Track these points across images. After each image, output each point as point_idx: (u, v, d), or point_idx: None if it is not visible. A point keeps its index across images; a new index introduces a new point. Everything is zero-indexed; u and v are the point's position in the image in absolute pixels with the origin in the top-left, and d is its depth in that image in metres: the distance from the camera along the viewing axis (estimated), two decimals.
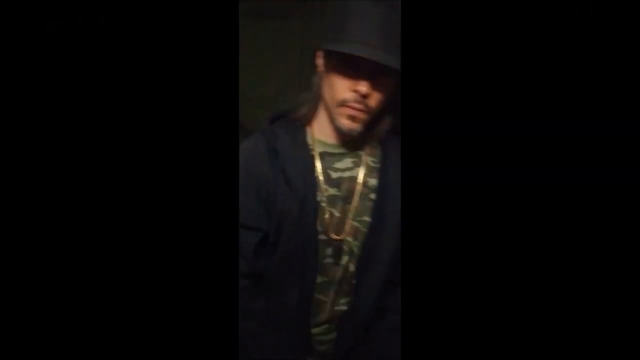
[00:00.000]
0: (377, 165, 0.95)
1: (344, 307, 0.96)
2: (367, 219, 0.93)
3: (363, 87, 0.83)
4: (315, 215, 0.91)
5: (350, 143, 0.94)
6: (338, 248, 0.93)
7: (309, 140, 0.94)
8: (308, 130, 0.95)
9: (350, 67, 0.84)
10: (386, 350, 0.96)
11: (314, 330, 0.97)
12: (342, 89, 0.86)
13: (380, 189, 0.94)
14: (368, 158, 0.95)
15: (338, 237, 0.92)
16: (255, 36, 1.27)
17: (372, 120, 0.91)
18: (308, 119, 0.95)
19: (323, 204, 0.92)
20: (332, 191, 0.93)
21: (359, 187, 0.93)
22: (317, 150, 0.94)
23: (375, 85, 0.85)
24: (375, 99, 0.86)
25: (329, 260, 0.94)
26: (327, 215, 0.91)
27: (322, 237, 0.92)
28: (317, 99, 0.93)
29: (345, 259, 0.94)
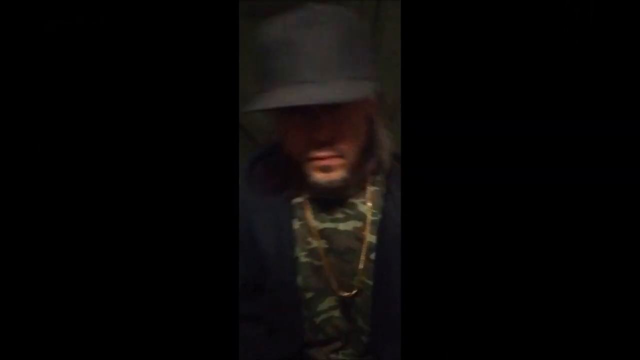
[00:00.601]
0: (375, 218, 0.79)
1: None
2: (367, 281, 0.79)
3: (321, 134, 0.69)
4: (294, 273, 0.78)
5: (343, 190, 0.78)
6: (336, 302, 0.80)
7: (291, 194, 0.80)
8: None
9: (294, 117, 0.70)
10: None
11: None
12: (299, 144, 0.72)
13: (379, 247, 0.79)
14: (365, 207, 0.80)
15: (347, 294, 0.79)
16: (255, 36, 1.26)
17: (357, 162, 0.76)
18: (289, 184, 0.80)
19: (303, 260, 0.79)
20: (320, 244, 0.79)
21: (352, 243, 0.79)
22: (299, 198, 0.80)
23: (337, 124, 0.70)
24: (345, 139, 0.72)
25: (324, 315, 0.81)
26: (309, 273, 0.79)
27: (309, 294, 0.80)
28: (284, 160, 0.77)
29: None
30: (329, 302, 0.81)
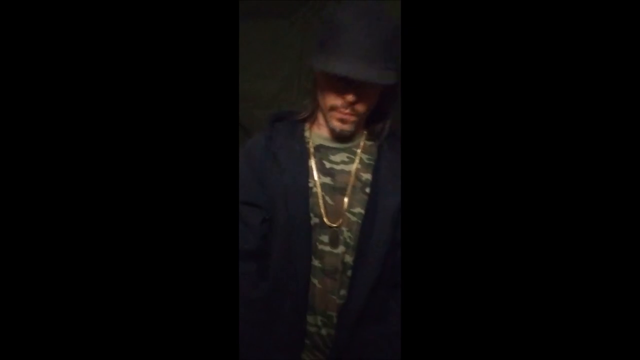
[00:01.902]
0: (372, 162, 1.02)
1: (340, 301, 0.98)
2: (360, 210, 0.99)
3: (349, 97, 0.93)
4: (307, 200, 0.98)
5: (346, 140, 1.03)
6: (334, 235, 0.98)
7: (307, 134, 1.04)
8: (307, 126, 1.04)
9: (336, 79, 0.92)
10: (385, 356, 0.98)
11: (308, 319, 0.99)
12: (332, 96, 0.95)
13: (374, 184, 1.00)
14: (363, 155, 1.02)
15: (333, 225, 0.98)
16: (255, 36, 1.27)
17: (365, 120, 1.00)
18: (307, 120, 1.04)
19: (315, 190, 0.99)
20: (326, 180, 1.00)
21: (352, 180, 1.00)
22: (313, 142, 1.03)
23: (361, 94, 0.94)
24: (363, 105, 0.96)
25: (325, 247, 0.98)
26: (320, 201, 0.98)
27: (315, 220, 0.98)
28: (314, 103, 1.02)
29: (341, 248, 0.98)
30: (323, 235, 0.99)
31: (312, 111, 1.03)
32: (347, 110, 0.95)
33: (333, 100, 0.95)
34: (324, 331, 0.99)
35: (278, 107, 1.25)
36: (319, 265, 0.98)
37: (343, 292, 0.98)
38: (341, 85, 0.93)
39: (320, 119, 1.03)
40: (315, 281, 0.98)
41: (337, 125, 0.98)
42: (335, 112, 0.97)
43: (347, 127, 0.98)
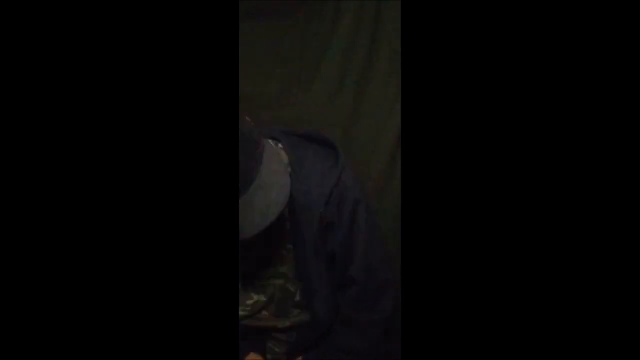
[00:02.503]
0: None
1: (287, 322, 1.04)
2: (289, 245, 1.01)
3: None
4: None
5: None
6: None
7: None
8: None
9: None
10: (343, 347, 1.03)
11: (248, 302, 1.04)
12: None
13: (289, 216, 0.99)
14: None
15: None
16: (255, 36, 1.26)
17: None
18: None
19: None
20: None
21: None
22: None
23: None
24: None
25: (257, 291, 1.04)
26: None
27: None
28: None
29: (276, 281, 1.03)
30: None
31: None
32: None
33: None
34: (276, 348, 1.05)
35: (279, 108, 1.25)
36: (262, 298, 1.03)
37: (296, 311, 1.03)
38: None
39: None
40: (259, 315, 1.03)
41: None
42: None
43: None
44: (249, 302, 1.03)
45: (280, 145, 1.02)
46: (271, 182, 0.89)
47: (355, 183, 1.05)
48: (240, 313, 1.03)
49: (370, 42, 1.24)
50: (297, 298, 1.03)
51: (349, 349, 1.02)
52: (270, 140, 0.99)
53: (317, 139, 1.07)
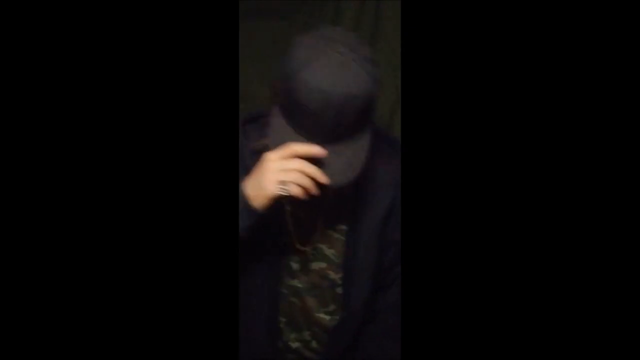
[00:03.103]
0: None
1: (327, 317, 0.95)
2: (333, 307, 0.95)
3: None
4: (279, 216, 0.89)
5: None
6: (306, 253, 0.93)
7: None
8: None
9: None
10: (380, 354, 0.96)
11: (292, 336, 0.97)
12: None
13: (360, 196, 0.91)
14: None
15: (303, 248, 0.91)
16: (255, 36, 1.27)
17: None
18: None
19: (287, 207, 0.91)
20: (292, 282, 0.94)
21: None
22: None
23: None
24: None
25: (296, 265, 0.94)
26: (290, 218, 0.90)
27: (285, 239, 0.91)
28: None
29: (317, 264, 0.93)
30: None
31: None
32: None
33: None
34: (314, 343, 0.97)
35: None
36: (295, 283, 0.94)
37: (332, 307, 0.95)
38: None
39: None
40: (294, 299, 0.95)
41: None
42: None
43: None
44: (289, 282, 0.96)
45: None
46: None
47: None
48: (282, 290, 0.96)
49: (370, 42, 1.24)
50: (339, 290, 0.95)
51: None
52: None
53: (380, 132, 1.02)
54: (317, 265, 0.93)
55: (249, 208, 0.79)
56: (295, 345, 0.98)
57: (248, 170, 0.85)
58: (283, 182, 0.76)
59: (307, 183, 0.76)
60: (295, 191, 0.77)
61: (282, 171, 0.76)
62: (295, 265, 0.93)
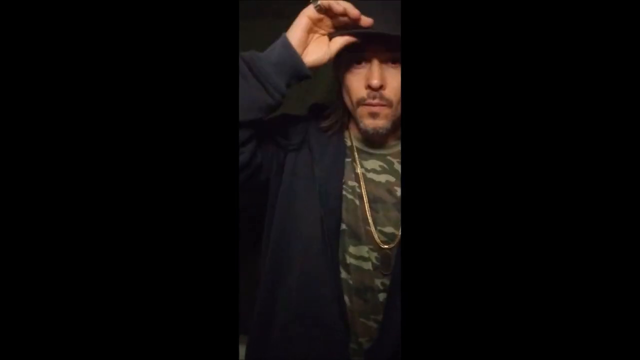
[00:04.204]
0: None
1: (375, 325, 0.88)
2: (390, 230, 0.90)
3: (374, 81, 0.84)
4: (339, 201, 0.89)
5: (382, 146, 0.93)
6: (363, 249, 0.89)
7: (345, 132, 0.95)
8: (344, 132, 0.95)
9: (359, 60, 0.86)
10: None
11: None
12: (356, 88, 0.87)
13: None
14: (400, 167, 0.91)
15: (387, 247, 0.88)
16: (255, 36, 1.26)
17: (398, 115, 0.89)
18: (338, 128, 0.94)
19: (343, 193, 0.90)
20: (355, 186, 0.91)
21: (383, 194, 0.90)
22: (349, 141, 0.94)
23: (388, 75, 0.85)
24: (392, 90, 0.86)
25: (352, 259, 0.89)
26: (348, 207, 0.88)
27: (344, 226, 0.89)
28: (341, 107, 0.93)
29: (368, 264, 0.89)
30: (363, 250, 0.89)
31: (338, 119, 0.93)
32: (376, 101, 0.86)
33: (358, 92, 0.87)
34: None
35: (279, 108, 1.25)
36: (349, 279, 0.88)
37: (376, 317, 0.88)
38: (363, 68, 0.85)
39: (353, 123, 0.93)
40: (346, 298, 0.88)
41: (369, 123, 0.87)
42: (363, 107, 0.87)
43: (381, 124, 0.87)
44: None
45: None
46: None
47: None
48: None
49: None
50: (381, 298, 0.88)
51: None
52: None
53: None
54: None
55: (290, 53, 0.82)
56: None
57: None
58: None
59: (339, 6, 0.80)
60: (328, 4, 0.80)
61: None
62: (350, 259, 0.89)
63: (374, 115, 0.87)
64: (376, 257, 0.89)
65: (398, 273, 0.87)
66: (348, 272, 0.89)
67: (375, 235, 0.89)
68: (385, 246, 0.88)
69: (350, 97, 0.89)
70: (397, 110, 0.88)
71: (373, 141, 0.93)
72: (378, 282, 0.89)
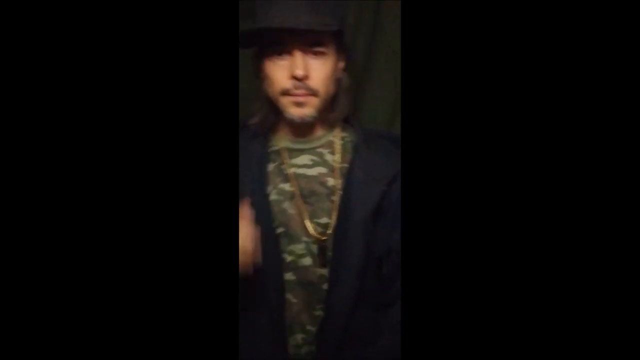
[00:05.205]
0: (340, 166, 0.93)
1: (318, 313, 0.91)
2: (325, 220, 0.91)
3: (298, 71, 0.85)
4: (267, 208, 0.90)
5: (311, 140, 0.95)
6: (300, 246, 0.91)
7: (270, 137, 0.96)
8: (269, 134, 0.96)
9: (280, 52, 0.86)
10: None
11: (290, 340, 0.93)
12: (280, 79, 0.87)
13: (346, 190, 0.91)
14: (331, 157, 0.94)
15: (324, 237, 0.90)
16: None
17: (325, 106, 0.90)
18: (267, 125, 0.95)
19: (273, 197, 0.91)
20: (285, 186, 0.92)
21: (316, 187, 0.93)
22: (276, 145, 0.95)
23: (311, 65, 0.86)
24: (316, 80, 0.87)
25: (291, 257, 0.92)
26: (276, 209, 0.91)
27: (280, 230, 0.91)
28: (265, 101, 0.92)
29: (307, 260, 0.91)
30: (299, 247, 0.92)
31: (266, 114, 0.93)
32: (301, 91, 0.86)
33: (281, 82, 0.87)
34: (304, 349, 0.92)
35: None
36: (291, 278, 0.91)
37: (320, 306, 0.91)
38: (286, 58, 0.86)
39: (282, 122, 0.93)
40: (290, 295, 0.91)
41: (294, 112, 0.88)
42: (288, 97, 0.87)
43: (307, 112, 0.88)
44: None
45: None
46: None
47: None
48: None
49: (370, 42, 1.24)
50: (324, 287, 0.91)
51: None
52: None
53: (382, 131, 1.04)
54: (306, 260, 0.92)
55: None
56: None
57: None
58: None
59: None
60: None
61: None
62: (290, 257, 0.91)
63: (299, 104, 0.87)
64: (313, 250, 0.91)
65: (337, 260, 0.90)
66: (290, 270, 0.92)
67: (311, 228, 0.91)
68: (323, 237, 0.90)
69: (273, 88, 0.89)
70: (325, 100, 0.90)
71: (301, 133, 0.94)
72: (318, 274, 0.92)
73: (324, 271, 0.91)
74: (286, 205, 0.92)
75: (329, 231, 0.91)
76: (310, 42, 0.86)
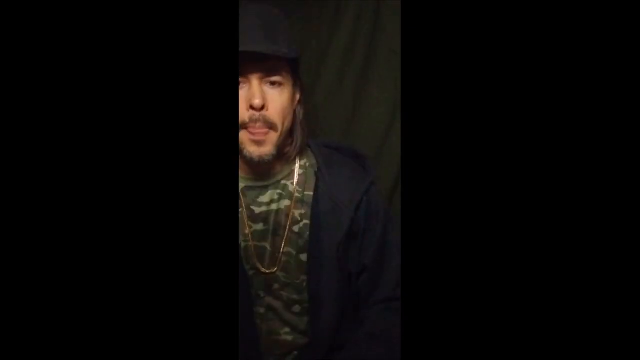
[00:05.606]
0: (301, 195, 0.94)
1: (301, 341, 0.96)
2: (292, 251, 0.93)
3: (256, 99, 0.83)
4: (241, 253, 0.91)
5: (272, 173, 0.94)
6: (268, 281, 0.94)
7: None
8: None
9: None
10: None
11: None
12: (241, 112, 0.85)
13: (312, 222, 0.92)
14: (294, 187, 0.94)
15: (267, 271, 0.93)
16: None
17: (283, 141, 0.89)
18: None
19: (246, 241, 0.92)
20: (258, 227, 0.93)
21: (285, 220, 0.93)
22: (239, 186, 0.93)
23: (269, 95, 0.85)
24: (274, 112, 0.85)
25: (261, 292, 0.95)
26: (253, 251, 0.92)
27: (252, 272, 0.93)
28: None
29: (276, 291, 0.94)
30: (259, 285, 0.94)
31: None
32: (258, 125, 0.84)
33: (240, 115, 0.84)
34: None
35: None
36: (261, 311, 0.95)
37: (287, 329, 0.95)
38: (243, 91, 0.84)
39: (241, 161, 0.91)
40: (264, 325, 0.95)
41: (253, 151, 0.86)
42: (246, 133, 0.85)
43: (266, 151, 0.86)
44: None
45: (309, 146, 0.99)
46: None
47: (380, 197, 1.00)
48: None
49: (370, 43, 1.24)
50: (297, 309, 0.95)
51: None
52: None
53: (341, 148, 1.02)
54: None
55: None
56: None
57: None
58: None
59: None
60: None
61: None
62: (260, 292, 0.95)
63: (258, 143, 0.86)
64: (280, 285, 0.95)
65: (314, 291, 0.93)
66: (261, 305, 0.95)
67: (282, 259, 0.94)
68: (278, 269, 0.93)
69: None
70: (283, 134, 0.88)
71: (260, 171, 0.92)
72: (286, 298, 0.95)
73: (290, 295, 0.94)
74: (263, 244, 0.93)
75: (294, 262, 0.94)
76: (266, 69, 0.84)
